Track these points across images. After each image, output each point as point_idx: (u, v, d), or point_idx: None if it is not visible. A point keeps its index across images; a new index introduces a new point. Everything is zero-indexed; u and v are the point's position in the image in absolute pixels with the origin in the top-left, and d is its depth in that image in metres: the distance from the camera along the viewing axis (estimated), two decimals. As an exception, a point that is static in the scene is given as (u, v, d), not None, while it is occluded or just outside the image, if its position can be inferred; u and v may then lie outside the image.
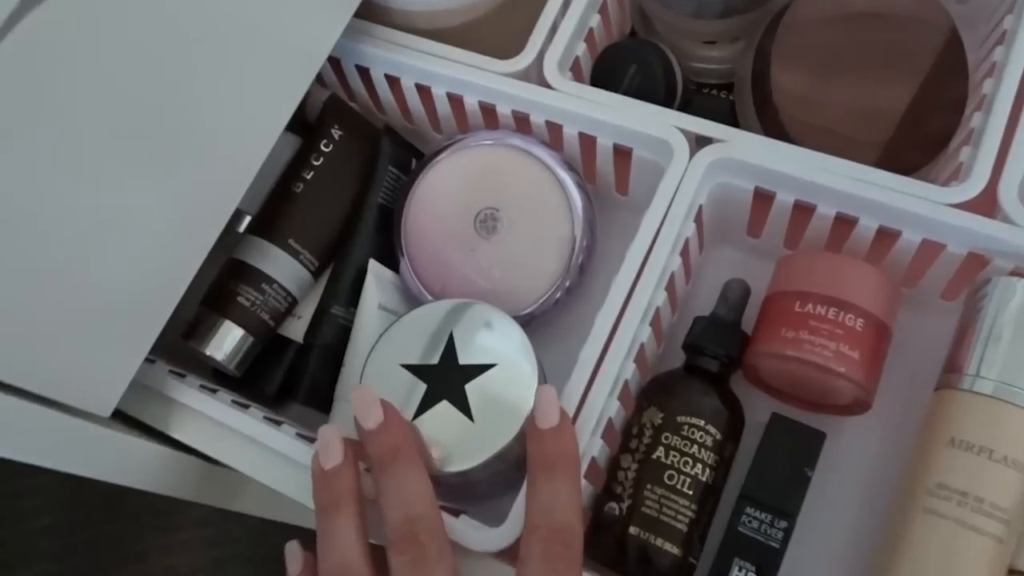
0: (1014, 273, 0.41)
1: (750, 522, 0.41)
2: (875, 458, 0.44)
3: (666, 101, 0.49)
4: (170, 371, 0.45)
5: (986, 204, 0.41)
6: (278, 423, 0.45)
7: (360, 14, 0.50)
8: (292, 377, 0.50)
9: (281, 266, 0.48)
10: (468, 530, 0.38)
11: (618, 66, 0.50)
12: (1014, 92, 0.42)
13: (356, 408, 0.39)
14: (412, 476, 0.37)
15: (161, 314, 0.40)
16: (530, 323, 0.48)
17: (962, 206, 0.41)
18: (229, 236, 0.47)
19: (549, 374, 0.42)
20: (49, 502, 1.05)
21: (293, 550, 0.41)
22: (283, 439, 0.42)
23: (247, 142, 0.42)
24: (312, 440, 0.43)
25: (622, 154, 0.47)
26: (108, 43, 0.34)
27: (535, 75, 0.48)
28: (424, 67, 0.49)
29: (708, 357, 0.44)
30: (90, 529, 1.02)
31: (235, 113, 0.41)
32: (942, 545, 0.37)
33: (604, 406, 0.40)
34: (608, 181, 0.50)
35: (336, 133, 0.51)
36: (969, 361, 0.39)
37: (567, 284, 0.47)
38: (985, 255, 0.41)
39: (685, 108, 0.52)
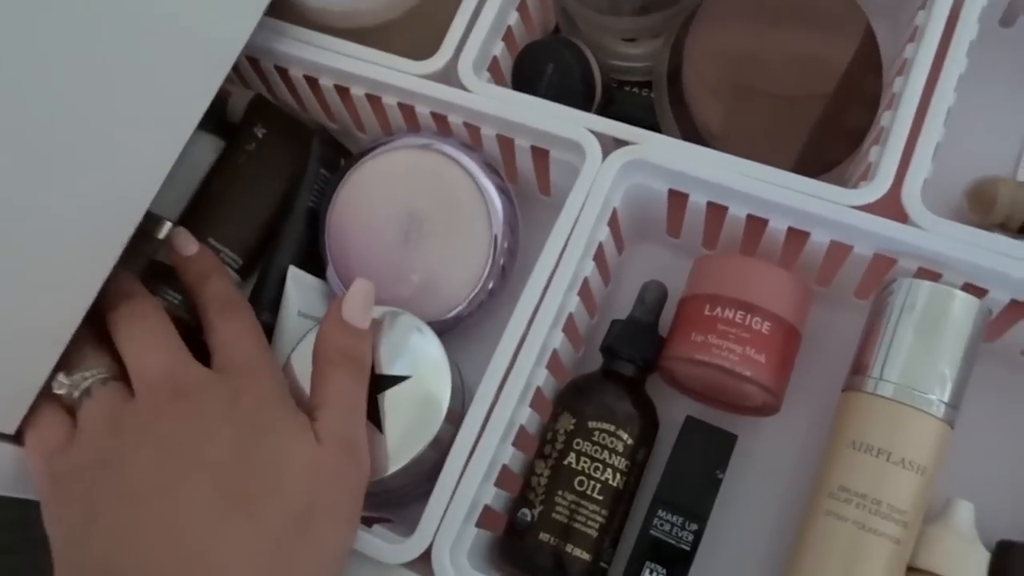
0: (919, 275, 0.41)
1: (662, 525, 0.41)
2: (788, 459, 0.45)
3: (584, 100, 0.48)
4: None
5: (897, 205, 0.41)
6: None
7: (278, 14, 0.49)
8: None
9: (201, 267, 0.48)
10: (378, 541, 0.39)
11: (536, 65, 0.49)
12: (920, 91, 0.41)
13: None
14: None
15: (68, 325, 0.40)
16: (456, 325, 0.48)
17: (871, 207, 0.41)
18: (150, 244, 0.47)
19: (474, 376, 0.42)
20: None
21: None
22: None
23: (155, 143, 0.41)
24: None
25: (540, 155, 0.47)
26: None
27: (454, 75, 0.47)
28: (341, 68, 0.48)
29: (623, 361, 0.44)
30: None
31: (140, 113, 0.40)
32: (842, 547, 0.37)
33: (513, 413, 0.40)
34: (530, 181, 0.50)
35: (260, 132, 0.51)
36: (873, 363, 0.40)
37: (490, 286, 0.47)
38: (891, 256, 0.41)
39: (608, 106, 0.52)
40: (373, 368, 0.42)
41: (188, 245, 0.45)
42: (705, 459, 0.42)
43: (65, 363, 0.38)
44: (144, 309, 0.40)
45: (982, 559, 0.39)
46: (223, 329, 0.40)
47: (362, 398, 0.39)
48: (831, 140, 0.45)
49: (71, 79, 0.36)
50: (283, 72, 0.51)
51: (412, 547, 0.38)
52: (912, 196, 0.40)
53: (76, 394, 0.37)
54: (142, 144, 0.41)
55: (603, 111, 0.52)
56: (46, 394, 0.38)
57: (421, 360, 0.42)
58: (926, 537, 0.40)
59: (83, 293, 0.40)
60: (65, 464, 0.36)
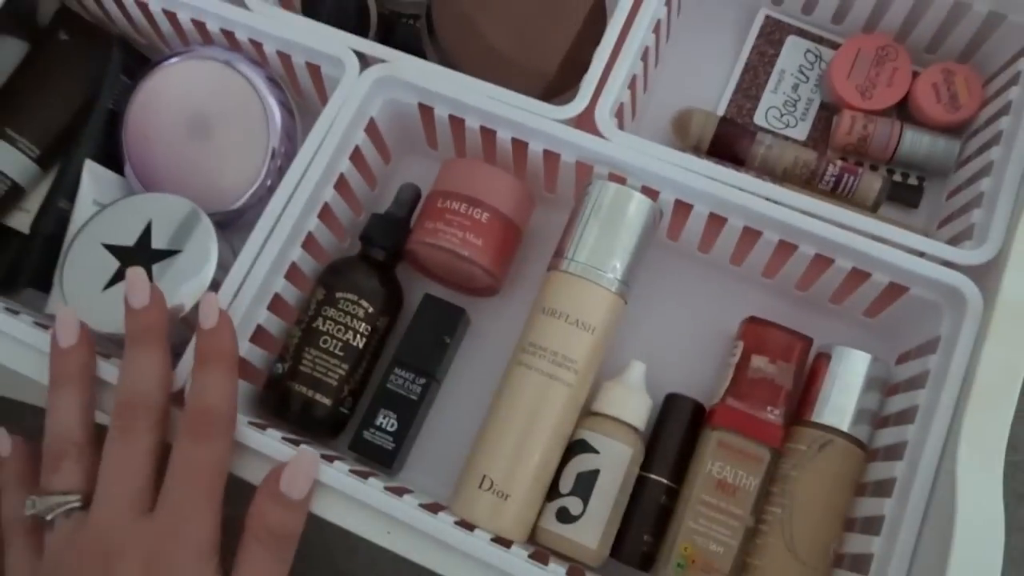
0: (611, 179, 0.50)
1: (397, 380, 0.50)
2: (510, 331, 0.53)
3: (359, 27, 0.56)
4: None
5: (592, 121, 0.50)
6: (15, 312, 0.50)
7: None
8: (17, 264, 0.55)
9: (-2, 151, 0.53)
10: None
11: (319, -7, 0.56)
12: (618, 30, 0.50)
13: (128, 285, 0.43)
14: (151, 357, 0.42)
15: None
16: (240, 218, 0.54)
17: (575, 122, 0.50)
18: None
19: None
20: None
21: (1, 435, 0.45)
22: (21, 326, 0.47)
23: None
24: (47, 327, 0.48)
25: (314, 70, 0.54)
26: None
27: (244, -2, 0.54)
28: (141, -15, 0.54)
29: (376, 247, 0.52)
30: None
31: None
32: (530, 390, 0.46)
33: (265, 281, 0.47)
34: (311, 95, 0.57)
35: (63, 36, 0.56)
36: (567, 247, 0.49)
37: (268, 184, 0.54)
38: (589, 163, 0.50)
39: (388, 35, 0.59)
40: (151, 243, 0.49)
41: (210, 315, 0.44)
42: (437, 328, 0.51)
43: (47, 476, 0.42)
44: (133, 431, 0.41)
45: (645, 405, 0.49)
46: (186, 452, 0.41)
47: (276, 572, 0.41)
48: (563, 69, 0.54)
49: None
50: (90, -13, 0.56)
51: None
52: (603, 114, 0.49)
53: (47, 517, 0.41)
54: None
55: (384, 40, 0.59)
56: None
57: (193, 239, 0.49)
58: (604, 388, 0.49)
59: None
60: None
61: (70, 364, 0.43)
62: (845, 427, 0.47)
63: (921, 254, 0.46)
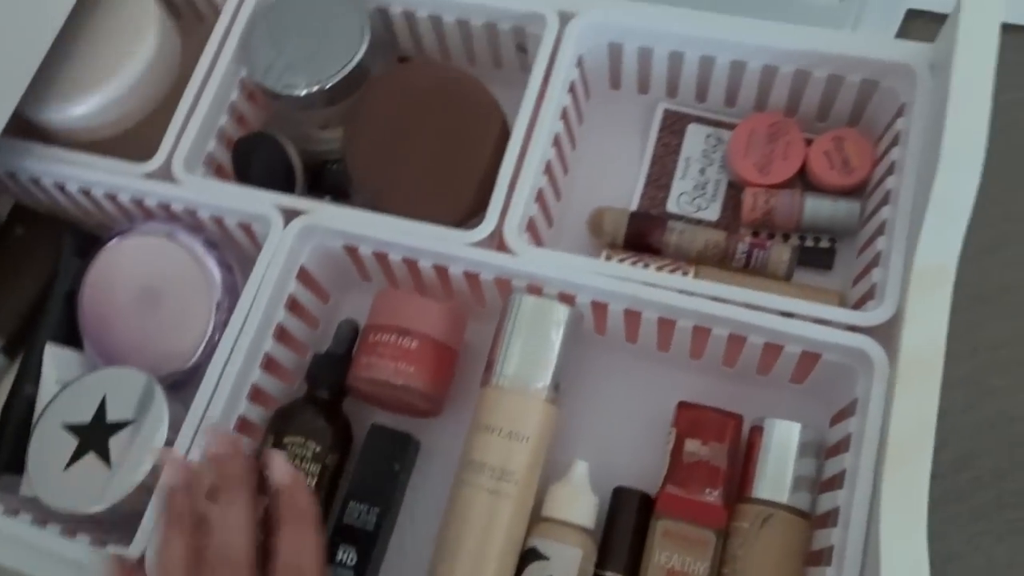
0: (530, 290, 0.53)
1: (352, 513, 0.52)
2: (458, 448, 0.55)
3: (286, 182, 0.60)
4: None
5: (502, 240, 0.53)
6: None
7: (33, 135, 0.60)
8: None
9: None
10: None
11: (245, 156, 0.60)
12: (516, 151, 0.54)
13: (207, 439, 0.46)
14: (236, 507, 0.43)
15: None
16: (195, 374, 0.57)
17: (487, 243, 0.53)
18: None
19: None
20: None
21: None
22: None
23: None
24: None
25: (247, 228, 0.58)
26: None
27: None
28: (82, 175, 0.59)
29: (320, 387, 0.55)
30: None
31: None
32: (475, 508, 0.48)
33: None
34: (250, 250, 0.60)
35: (19, 232, 0.61)
36: (496, 362, 0.51)
37: (216, 339, 0.57)
38: (507, 279, 0.53)
39: (318, 182, 0.63)
40: (106, 417, 0.52)
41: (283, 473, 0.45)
42: (386, 457, 0.53)
43: None
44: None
45: (591, 503, 0.50)
46: None
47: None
48: (480, 189, 0.57)
49: None
50: (36, 182, 0.61)
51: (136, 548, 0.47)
52: (511, 232, 0.52)
53: None
54: None
55: (313, 187, 0.63)
56: None
57: (146, 407, 0.52)
58: (550, 492, 0.51)
59: None
60: None
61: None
62: (784, 499, 0.48)
63: (828, 321, 0.48)
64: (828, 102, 0.57)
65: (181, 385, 0.57)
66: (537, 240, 0.57)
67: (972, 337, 1.42)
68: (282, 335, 0.55)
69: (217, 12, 0.63)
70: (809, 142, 0.58)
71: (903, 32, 1.49)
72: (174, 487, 0.44)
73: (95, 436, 0.52)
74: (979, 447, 1.39)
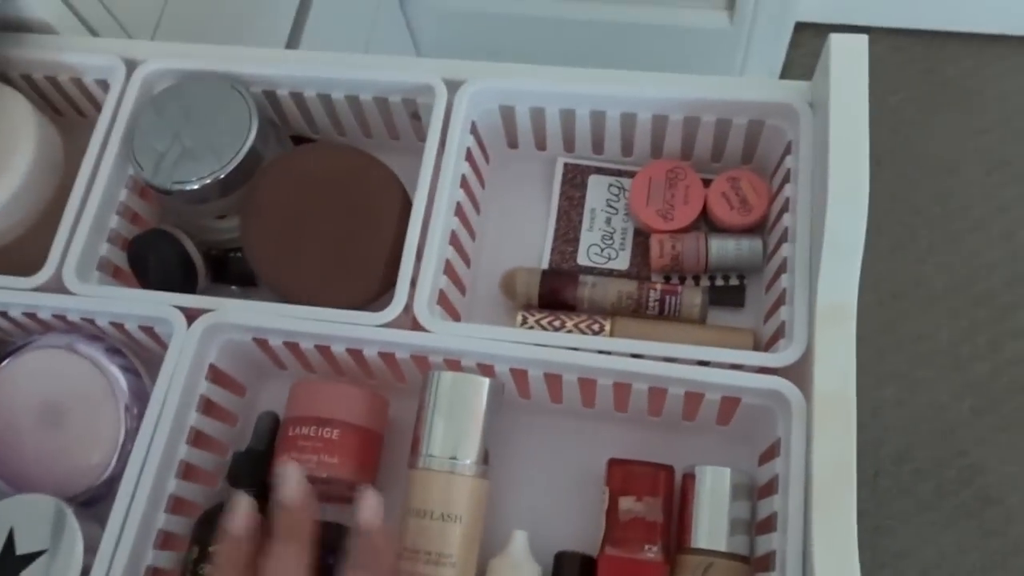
0: (448, 365, 0.52)
1: (289, 616, 0.50)
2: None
3: (184, 277, 0.58)
4: None
5: (413, 318, 0.52)
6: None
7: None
8: None
9: None
10: None
11: (142, 256, 0.58)
12: (418, 226, 0.53)
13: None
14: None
15: None
16: (111, 488, 0.55)
17: (397, 323, 0.52)
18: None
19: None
20: None
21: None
22: None
23: None
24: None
25: (149, 331, 0.56)
26: None
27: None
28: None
29: (243, 487, 0.53)
30: None
31: None
32: (415, 597, 0.47)
33: (132, 555, 0.47)
34: (153, 351, 0.58)
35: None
36: (420, 442, 0.50)
37: (128, 448, 0.55)
38: (423, 355, 0.52)
39: (222, 272, 0.62)
40: (15, 549, 0.49)
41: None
42: (319, 549, 0.51)
43: None
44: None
45: (536, 573, 0.50)
46: None
47: None
48: (388, 265, 0.56)
49: None
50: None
51: None
52: (422, 308, 0.51)
53: None
54: None
55: (218, 277, 0.62)
56: None
57: (58, 533, 0.49)
58: (491, 567, 0.50)
59: None
60: None
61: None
62: (723, 546, 0.48)
63: (742, 366, 0.48)
64: (720, 144, 0.58)
65: (97, 500, 0.55)
66: (451, 311, 0.56)
67: (895, 332, 1.47)
68: (198, 439, 0.53)
69: (99, 108, 0.61)
70: (707, 183, 0.59)
71: (794, 43, 1.55)
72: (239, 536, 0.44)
73: (6, 572, 0.49)
74: (915, 439, 1.44)
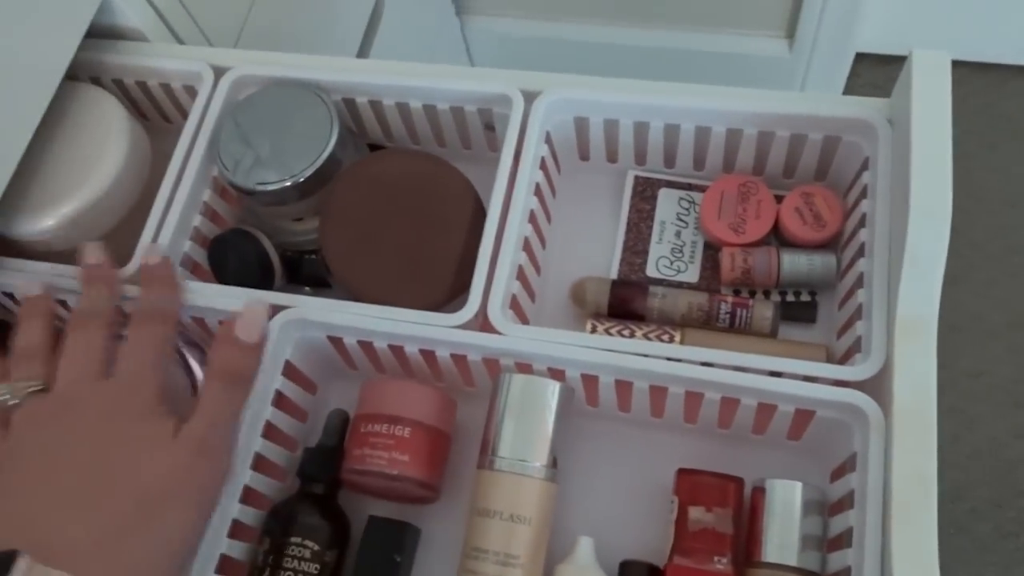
0: (519, 368, 0.53)
1: (355, 610, 0.50)
2: (458, 532, 0.54)
3: (263, 277, 0.60)
4: None
5: (487, 320, 0.53)
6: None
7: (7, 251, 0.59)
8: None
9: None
10: None
11: (222, 254, 0.60)
12: (494, 231, 0.54)
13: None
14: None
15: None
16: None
17: (470, 325, 0.52)
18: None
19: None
20: None
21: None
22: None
23: None
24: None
25: (229, 327, 0.57)
26: None
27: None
28: (59, 285, 0.58)
29: (313, 482, 0.54)
30: None
31: None
32: (481, 596, 0.47)
33: (209, 545, 0.48)
34: (232, 348, 0.60)
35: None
36: (490, 444, 0.50)
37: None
38: (494, 358, 0.53)
39: (296, 274, 0.63)
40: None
41: (151, 255, 0.55)
42: (385, 548, 0.52)
43: (13, 371, 0.49)
44: (88, 327, 0.50)
45: (602, 581, 0.50)
46: (130, 337, 0.50)
47: (231, 405, 0.49)
48: (459, 271, 0.57)
49: None
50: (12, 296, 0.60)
51: None
52: (495, 311, 0.52)
53: (10, 402, 0.48)
54: None
55: (292, 278, 0.63)
56: None
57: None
58: (556, 573, 0.50)
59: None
60: None
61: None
62: (793, 561, 0.47)
63: (817, 378, 0.48)
64: (793, 160, 0.58)
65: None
66: (521, 317, 0.57)
67: (951, 367, 1.44)
68: (270, 432, 0.54)
69: (184, 114, 0.63)
70: (779, 199, 0.59)
71: (854, 73, 1.54)
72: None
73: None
74: (972, 477, 1.40)
